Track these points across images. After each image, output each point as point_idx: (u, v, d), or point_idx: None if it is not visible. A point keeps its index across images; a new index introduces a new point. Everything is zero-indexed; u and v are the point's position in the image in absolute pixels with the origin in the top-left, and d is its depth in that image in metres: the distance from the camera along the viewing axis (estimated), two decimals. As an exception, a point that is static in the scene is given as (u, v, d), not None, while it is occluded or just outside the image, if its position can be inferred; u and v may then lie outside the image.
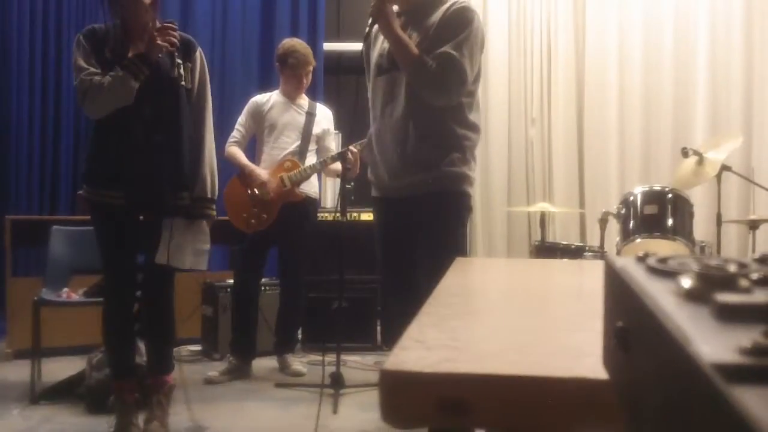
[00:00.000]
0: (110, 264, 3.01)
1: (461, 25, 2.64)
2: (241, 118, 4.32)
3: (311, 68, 4.31)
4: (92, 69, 2.86)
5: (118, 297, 3.00)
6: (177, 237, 3.02)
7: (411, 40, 2.67)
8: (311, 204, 4.34)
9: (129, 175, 2.89)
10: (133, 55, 2.85)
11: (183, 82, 2.98)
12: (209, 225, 3.16)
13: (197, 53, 3.08)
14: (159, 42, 2.83)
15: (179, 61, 2.97)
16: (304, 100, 4.36)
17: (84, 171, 3.05)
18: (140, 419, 3.03)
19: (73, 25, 5.58)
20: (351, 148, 3.96)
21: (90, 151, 3.02)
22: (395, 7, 2.73)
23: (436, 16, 2.69)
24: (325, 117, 4.39)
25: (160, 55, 2.91)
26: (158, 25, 2.91)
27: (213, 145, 3.18)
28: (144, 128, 2.88)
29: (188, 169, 2.99)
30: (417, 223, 2.73)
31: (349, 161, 3.91)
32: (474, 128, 2.76)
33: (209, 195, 3.12)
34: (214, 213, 3.17)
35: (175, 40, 2.89)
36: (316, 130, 4.30)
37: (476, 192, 5.05)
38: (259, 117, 4.28)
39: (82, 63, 2.89)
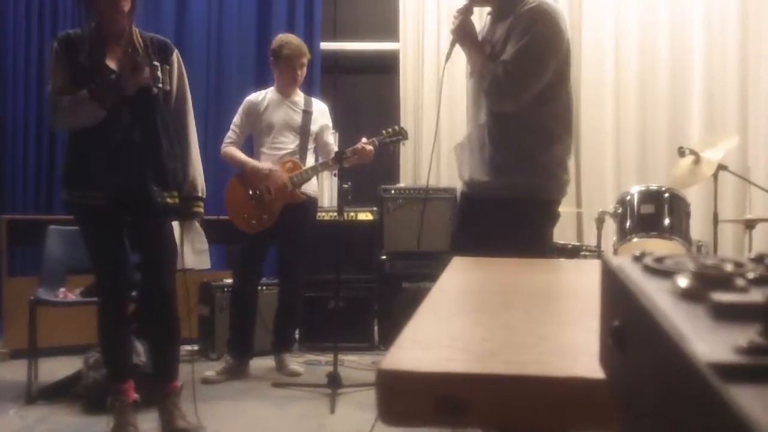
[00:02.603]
0: (99, 266, 3.02)
1: (524, 29, 2.58)
2: (236, 118, 4.31)
3: (306, 60, 4.29)
4: (62, 84, 2.88)
5: (111, 298, 3.01)
6: (176, 239, 3.05)
7: (496, 36, 2.67)
8: (311, 203, 4.34)
9: (108, 176, 2.90)
10: (105, 80, 2.80)
11: (161, 84, 2.99)
12: (200, 223, 3.20)
13: (174, 55, 3.10)
14: (139, 79, 2.82)
15: (157, 63, 2.99)
16: (299, 97, 4.34)
17: (62, 174, 3.05)
18: (138, 419, 3.03)
19: (69, 26, 5.56)
20: (365, 141, 4.00)
21: (68, 154, 3.04)
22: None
23: (516, 14, 2.64)
24: (321, 113, 4.37)
25: (138, 59, 2.93)
26: (134, 41, 2.87)
27: (197, 144, 3.20)
28: (123, 131, 2.90)
29: (172, 169, 3.00)
30: (491, 227, 2.70)
31: (357, 152, 3.93)
32: (551, 136, 2.68)
33: (199, 193, 3.15)
34: (203, 211, 3.20)
35: (157, 73, 2.92)
36: (314, 127, 4.29)
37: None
38: (255, 116, 4.26)
39: (53, 76, 2.93)
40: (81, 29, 3.01)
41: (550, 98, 2.66)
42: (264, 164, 4.12)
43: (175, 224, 3.14)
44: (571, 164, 2.85)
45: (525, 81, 2.59)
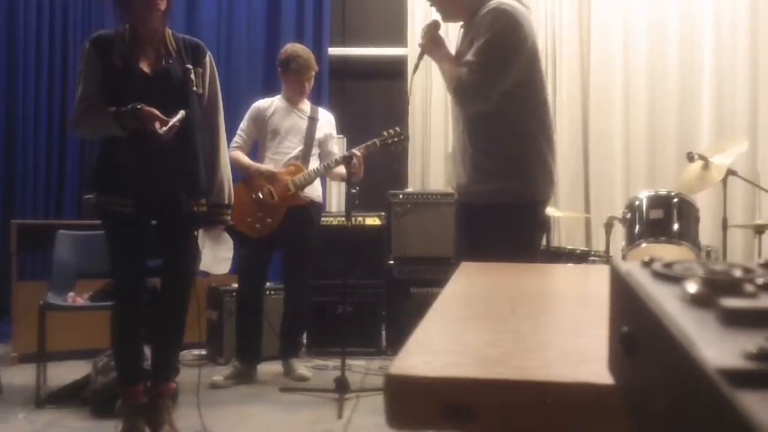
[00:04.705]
0: (120, 271, 3.00)
1: (483, 31, 2.63)
2: (243, 124, 4.33)
3: (313, 73, 4.31)
4: (91, 92, 2.86)
5: (128, 303, 3.00)
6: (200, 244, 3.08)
7: (464, 46, 2.75)
8: (315, 208, 4.35)
9: (139, 182, 2.88)
10: (133, 110, 2.75)
11: (195, 87, 2.97)
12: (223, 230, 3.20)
13: (207, 58, 3.06)
14: (158, 131, 2.76)
15: (189, 66, 2.96)
16: (306, 105, 4.36)
17: (93, 179, 3.03)
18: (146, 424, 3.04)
19: (79, 32, 5.60)
20: (354, 151, 3.99)
21: (99, 159, 3.00)
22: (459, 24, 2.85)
23: (477, 18, 2.70)
24: (327, 121, 4.39)
25: (170, 61, 2.92)
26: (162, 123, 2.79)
27: (227, 150, 3.19)
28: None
29: (202, 177, 2.98)
30: (479, 232, 2.75)
31: (354, 165, 3.93)
32: (529, 136, 2.69)
33: (226, 201, 3.12)
34: (230, 218, 3.19)
35: (190, 76, 2.95)
36: (319, 134, 4.30)
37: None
38: (261, 122, 4.28)
39: (83, 82, 2.90)
40: (115, 30, 2.97)
41: (521, 96, 2.68)
42: (269, 168, 4.14)
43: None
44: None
45: (487, 77, 2.62)
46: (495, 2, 2.66)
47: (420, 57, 2.88)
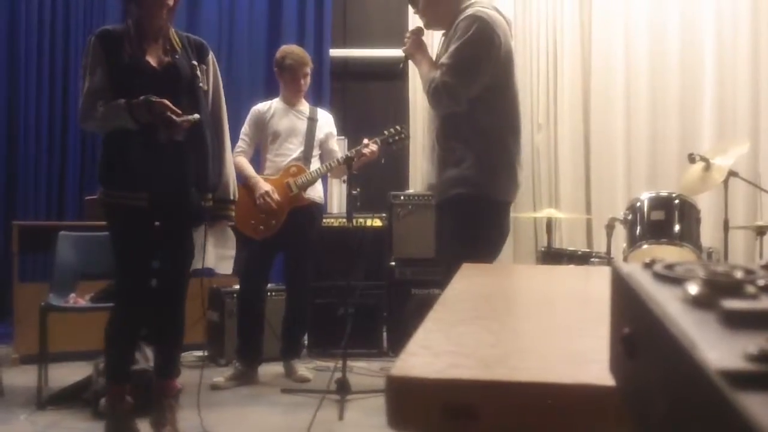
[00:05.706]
0: (124, 267, 2.98)
1: (458, 36, 2.72)
2: (245, 128, 4.34)
3: (308, 69, 4.33)
4: (100, 84, 2.85)
5: (130, 301, 2.98)
6: (200, 240, 3.07)
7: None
8: (317, 209, 4.35)
9: (152, 176, 2.87)
10: (147, 101, 2.77)
11: (201, 84, 2.98)
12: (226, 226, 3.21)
13: (210, 56, 3.09)
14: (174, 132, 2.81)
15: (195, 62, 2.98)
16: (304, 106, 4.37)
17: (101, 174, 3.00)
18: (138, 424, 3.03)
19: (81, 32, 5.61)
20: (371, 144, 4.02)
21: (107, 154, 2.97)
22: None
23: (454, 25, 2.81)
24: (326, 122, 4.41)
25: (176, 56, 2.93)
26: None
27: (230, 146, 3.21)
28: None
29: (211, 171, 2.99)
30: (440, 229, 2.85)
31: (362, 153, 3.96)
32: (496, 139, 2.78)
33: (231, 196, 3.14)
34: (234, 214, 3.20)
35: (197, 72, 2.95)
36: (319, 134, 4.32)
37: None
38: (261, 125, 4.29)
39: (90, 74, 2.88)
40: (120, 25, 2.98)
41: (492, 100, 2.76)
42: (263, 186, 4.12)
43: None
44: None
45: (459, 80, 2.69)
46: (472, 9, 2.75)
47: (405, 61, 2.98)
